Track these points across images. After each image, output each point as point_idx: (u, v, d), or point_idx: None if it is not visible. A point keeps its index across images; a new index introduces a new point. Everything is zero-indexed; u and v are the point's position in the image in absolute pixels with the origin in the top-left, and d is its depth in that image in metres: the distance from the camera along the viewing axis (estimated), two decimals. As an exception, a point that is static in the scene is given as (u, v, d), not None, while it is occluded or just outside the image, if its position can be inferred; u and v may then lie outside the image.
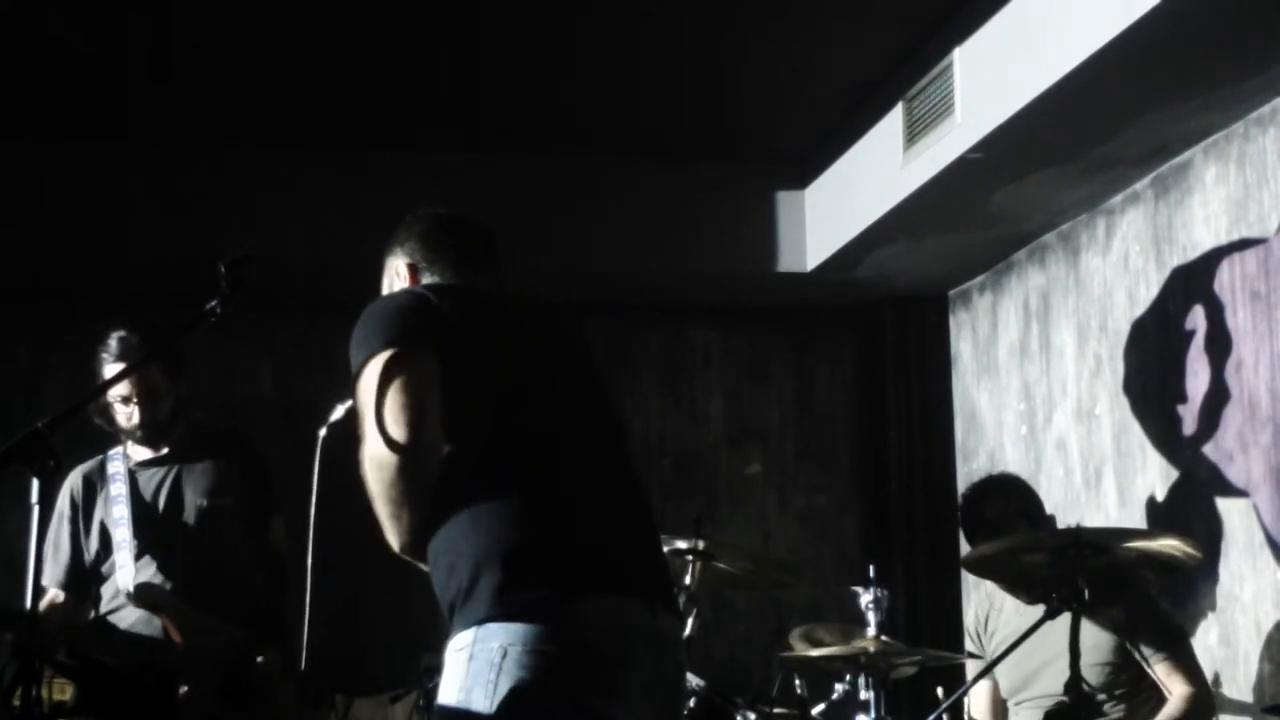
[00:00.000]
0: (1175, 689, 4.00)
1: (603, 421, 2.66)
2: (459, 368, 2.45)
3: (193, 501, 4.16)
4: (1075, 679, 3.63)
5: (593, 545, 2.45)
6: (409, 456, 2.37)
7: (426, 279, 2.73)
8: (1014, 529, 4.23)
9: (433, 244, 2.78)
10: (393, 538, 2.45)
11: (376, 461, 2.39)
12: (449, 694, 2.35)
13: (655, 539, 2.64)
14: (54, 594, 4.12)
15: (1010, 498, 4.43)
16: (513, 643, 2.30)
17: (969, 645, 4.56)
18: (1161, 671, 4.02)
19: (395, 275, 2.78)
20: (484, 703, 2.29)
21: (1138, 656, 4.03)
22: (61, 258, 5.78)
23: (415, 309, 2.51)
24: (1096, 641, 4.04)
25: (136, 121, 5.55)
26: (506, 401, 2.50)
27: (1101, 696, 4.05)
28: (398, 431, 2.37)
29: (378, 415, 2.39)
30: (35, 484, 2.51)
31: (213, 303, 2.72)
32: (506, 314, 2.66)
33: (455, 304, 2.55)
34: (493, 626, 2.32)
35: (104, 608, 4.06)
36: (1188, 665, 4.05)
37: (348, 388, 2.52)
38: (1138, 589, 4.09)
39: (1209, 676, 4.32)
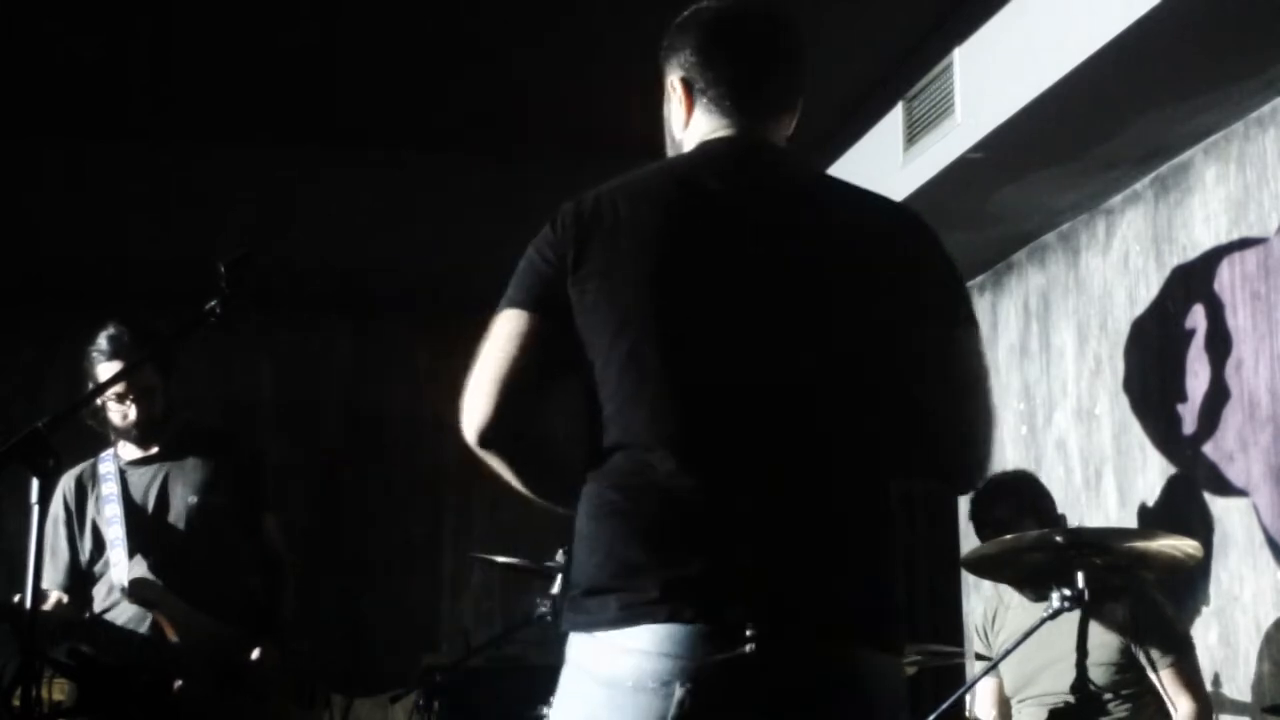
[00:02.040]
0: (1181, 704, 4.00)
1: (789, 392, 2.10)
2: (598, 324, 2.11)
3: (184, 499, 4.16)
4: (1082, 678, 3.63)
5: (683, 558, 2.02)
6: (484, 444, 2.12)
7: (701, 107, 2.29)
8: (1024, 529, 4.22)
9: (711, 60, 2.29)
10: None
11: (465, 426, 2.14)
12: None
13: (810, 539, 2.06)
14: (56, 596, 4.12)
15: (1022, 497, 4.40)
16: (573, 660, 2.08)
17: (976, 644, 4.55)
18: (1166, 678, 4.01)
19: (671, 92, 2.35)
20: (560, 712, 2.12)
21: (1142, 660, 4.02)
22: (61, 258, 5.79)
23: (549, 259, 2.15)
24: (1102, 641, 4.03)
25: (136, 121, 5.55)
26: (640, 366, 2.09)
27: (1106, 695, 4.05)
28: (477, 416, 2.11)
29: (472, 387, 2.13)
30: (35, 484, 2.51)
31: (213, 303, 2.71)
32: (701, 232, 2.17)
33: (617, 232, 2.15)
34: (570, 637, 2.10)
35: (98, 606, 4.06)
36: (1192, 677, 4.04)
37: None
38: (1141, 590, 4.09)
39: (1209, 677, 4.32)
